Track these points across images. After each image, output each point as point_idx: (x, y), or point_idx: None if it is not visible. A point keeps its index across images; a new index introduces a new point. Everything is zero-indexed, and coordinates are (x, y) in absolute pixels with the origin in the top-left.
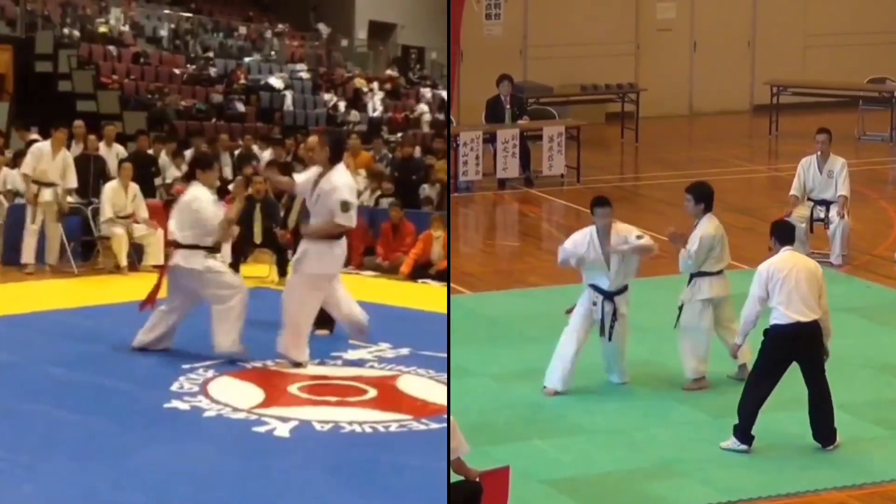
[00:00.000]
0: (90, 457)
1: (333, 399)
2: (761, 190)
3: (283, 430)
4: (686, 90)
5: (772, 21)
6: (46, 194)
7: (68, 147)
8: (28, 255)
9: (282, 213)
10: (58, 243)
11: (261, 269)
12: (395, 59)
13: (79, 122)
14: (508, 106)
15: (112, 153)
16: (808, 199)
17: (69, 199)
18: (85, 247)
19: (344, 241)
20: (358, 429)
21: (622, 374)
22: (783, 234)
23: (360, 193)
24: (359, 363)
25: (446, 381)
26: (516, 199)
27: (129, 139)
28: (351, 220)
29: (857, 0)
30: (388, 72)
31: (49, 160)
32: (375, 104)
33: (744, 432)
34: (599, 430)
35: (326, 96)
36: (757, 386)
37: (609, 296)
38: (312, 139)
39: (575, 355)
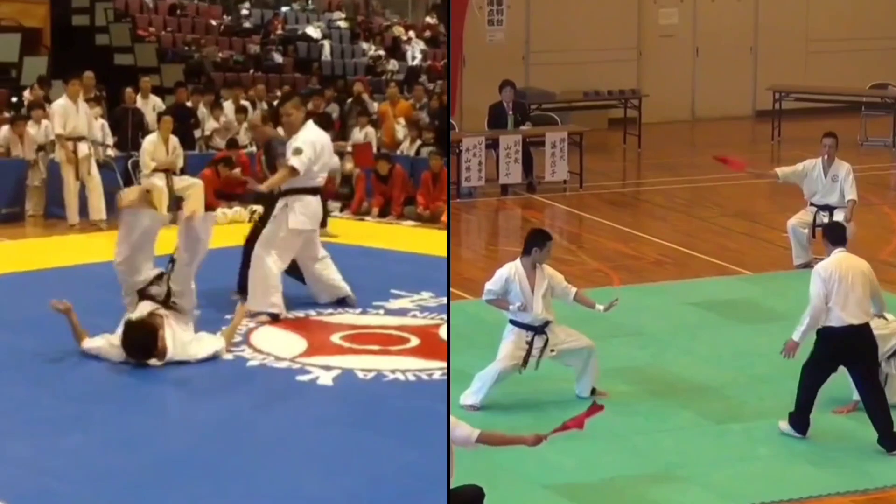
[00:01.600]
0: (136, 406)
1: (376, 348)
2: (763, 196)
3: (326, 379)
4: (688, 96)
5: (774, 26)
6: (83, 148)
7: (106, 98)
8: (73, 215)
9: None
10: (102, 196)
11: None
12: (433, 6)
13: (89, 73)
14: (511, 112)
15: (148, 105)
16: (811, 204)
17: (110, 151)
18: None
19: (319, 198)
20: (401, 377)
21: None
22: (834, 235)
23: (399, 143)
24: (401, 312)
25: (446, 388)
26: (519, 205)
27: (166, 92)
28: (301, 164)
29: (860, 5)
30: (427, 19)
31: (75, 114)
32: (415, 52)
33: (798, 421)
34: (601, 434)
35: (365, 45)
36: (809, 379)
37: (538, 330)
38: (290, 104)
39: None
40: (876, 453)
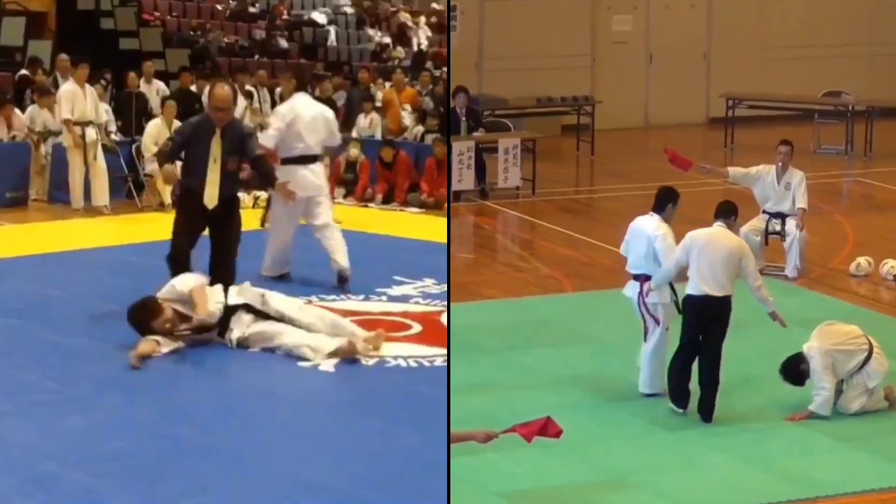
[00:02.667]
0: (138, 390)
1: None
2: (716, 202)
3: (327, 366)
4: (642, 102)
5: (727, 34)
6: (90, 133)
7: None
8: (77, 200)
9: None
10: (106, 182)
11: None
12: None
13: (63, 56)
14: (464, 118)
15: (152, 90)
16: (764, 211)
17: (114, 136)
18: (119, 184)
19: (314, 166)
20: (403, 363)
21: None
22: (720, 209)
23: (405, 129)
24: (403, 299)
25: (447, 378)
26: (472, 212)
27: (171, 77)
28: (266, 138)
29: (813, 13)
30: (434, 5)
31: (82, 99)
32: (421, 39)
33: (677, 395)
34: (554, 442)
35: (371, 31)
36: (680, 355)
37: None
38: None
39: None
40: (826, 461)
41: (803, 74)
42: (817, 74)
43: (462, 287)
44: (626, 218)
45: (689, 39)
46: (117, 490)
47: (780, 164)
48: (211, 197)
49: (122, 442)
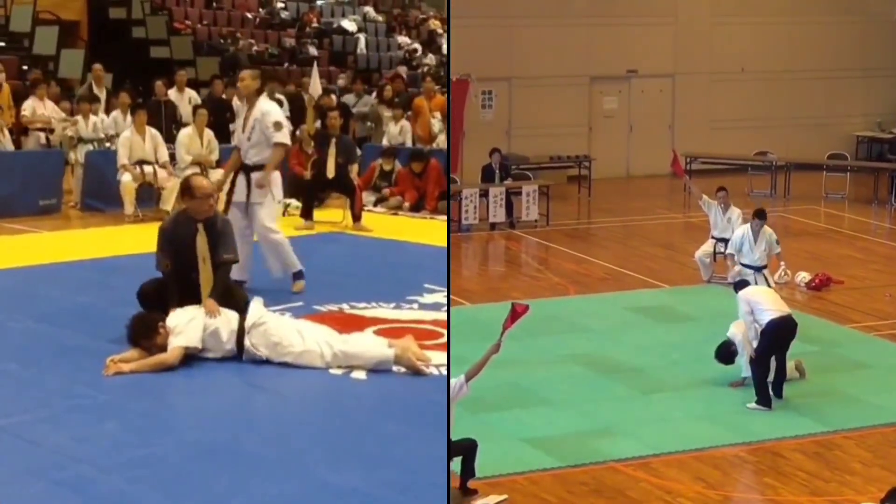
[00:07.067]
0: (171, 395)
1: None
2: (677, 231)
3: (360, 373)
4: (624, 159)
5: (686, 110)
6: (148, 169)
7: (146, 96)
8: (129, 208)
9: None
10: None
11: (335, 214)
12: None
13: (97, 66)
14: (497, 170)
15: (184, 99)
16: (712, 237)
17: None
18: (149, 191)
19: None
20: (435, 371)
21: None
22: (739, 285)
23: (435, 137)
24: (435, 307)
25: (446, 374)
26: (503, 238)
27: (202, 85)
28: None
29: (746, 94)
30: None
31: (141, 145)
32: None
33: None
34: (560, 402)
35: (400, 39)
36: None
37: None
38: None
39: None
40: (757, 415)
41: (740, 139)
42: (750, 139)
43: (495, 291)
44: (613, 242)
45: (658, 114)
46: (150, 494)
47: (721, 204)
48: (206, 287)
49: (154, 447)
